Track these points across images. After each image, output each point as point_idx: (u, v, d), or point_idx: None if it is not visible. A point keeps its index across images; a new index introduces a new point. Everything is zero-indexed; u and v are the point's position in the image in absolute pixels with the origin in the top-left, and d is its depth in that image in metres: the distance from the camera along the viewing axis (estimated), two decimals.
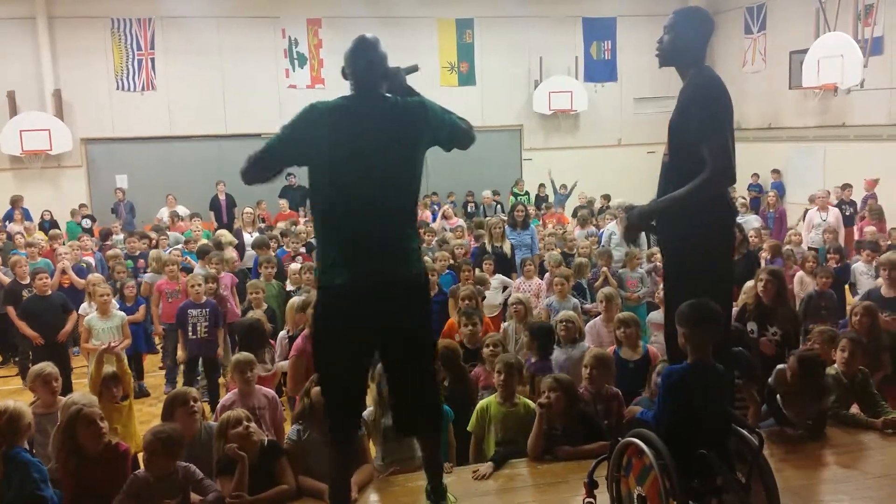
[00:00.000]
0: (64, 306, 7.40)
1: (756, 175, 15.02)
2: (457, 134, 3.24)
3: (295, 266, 8.02)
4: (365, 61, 3.11)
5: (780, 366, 4.38)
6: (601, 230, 10.27)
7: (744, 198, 12.42)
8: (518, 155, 17.15)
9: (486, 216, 13.16)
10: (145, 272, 8.91)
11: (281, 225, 11.50)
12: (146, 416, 6.61)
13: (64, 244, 9.95)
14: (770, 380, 4.28)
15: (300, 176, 14.16)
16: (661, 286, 4.70)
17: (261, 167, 3.10)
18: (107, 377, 4.59)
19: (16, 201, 13.25)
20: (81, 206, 14.00)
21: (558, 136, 17.16)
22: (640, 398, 4.41)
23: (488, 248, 8.65)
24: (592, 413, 4.22)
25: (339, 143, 3.01)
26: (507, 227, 9.16)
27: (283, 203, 13.55)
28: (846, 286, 7.77)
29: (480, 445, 4.26)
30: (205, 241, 9.83)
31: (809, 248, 9.17)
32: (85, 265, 9.26)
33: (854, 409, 4.41)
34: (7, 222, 12.59)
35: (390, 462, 4.05)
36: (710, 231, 3.06)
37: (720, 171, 2.94)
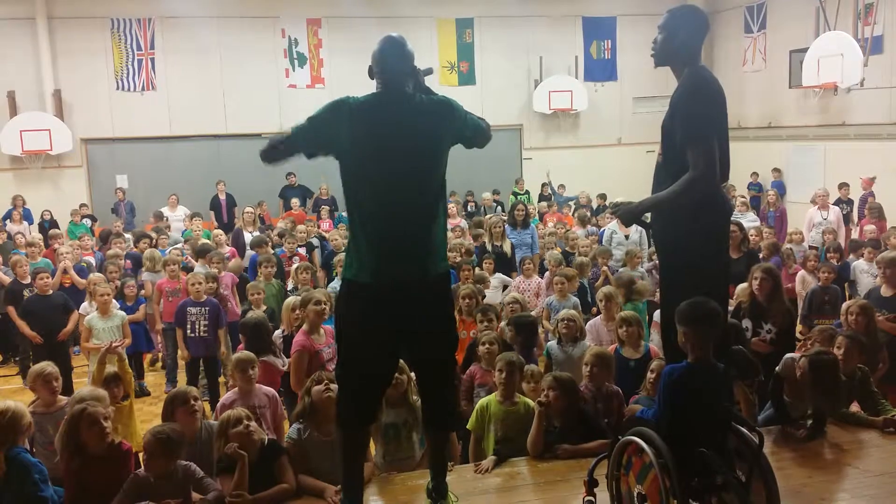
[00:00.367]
0: (65, 306, 7.40)
1: (756, 174, 15.04)
2: (478, 133, 3.31)
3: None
4: (393, 59, 3.15)
5: (789, 354, 4.38)
6: (601, 229, 10.27)
7: (744, 196, 12.40)
8: (518, 154, 17.13)
9: (486, 216, 13.14)
10: (135, 270, 8.93)
11: (281, 225, 11.50)
12: (147, 416, 6.63)
13: (64, 244, 9.95)
14: (778, 368, 4.29)
15: (300, 176, 14.24)
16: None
17: (283, 149, 3.16)
18: (108, 377, 4.61)
19: (16, 201, 13.26)
20: (82, 205, 14.00)
21: (558, 135, 17.15)
22: (638, 396, 4.41)
23: (488, 247, 8.65)
24: (592, 411, 4.22)
25: (368, 139, 3.05)
26: (507, 226, 9.16)
27: (295, 202, 13.61)
28: (845, 284, 7.78)
29: (480, 444, 4.25)
30: (205, 240, 9.84)
31: (810, 247, 9.17)
32: (85, 265, 9.27)
33: (854, 407, 4.42)
34: (6, 221, 12.60)
35: (391, 461, 4.06)
36: (701, 231, 3.04)
37: (702, 173, 2.93)
